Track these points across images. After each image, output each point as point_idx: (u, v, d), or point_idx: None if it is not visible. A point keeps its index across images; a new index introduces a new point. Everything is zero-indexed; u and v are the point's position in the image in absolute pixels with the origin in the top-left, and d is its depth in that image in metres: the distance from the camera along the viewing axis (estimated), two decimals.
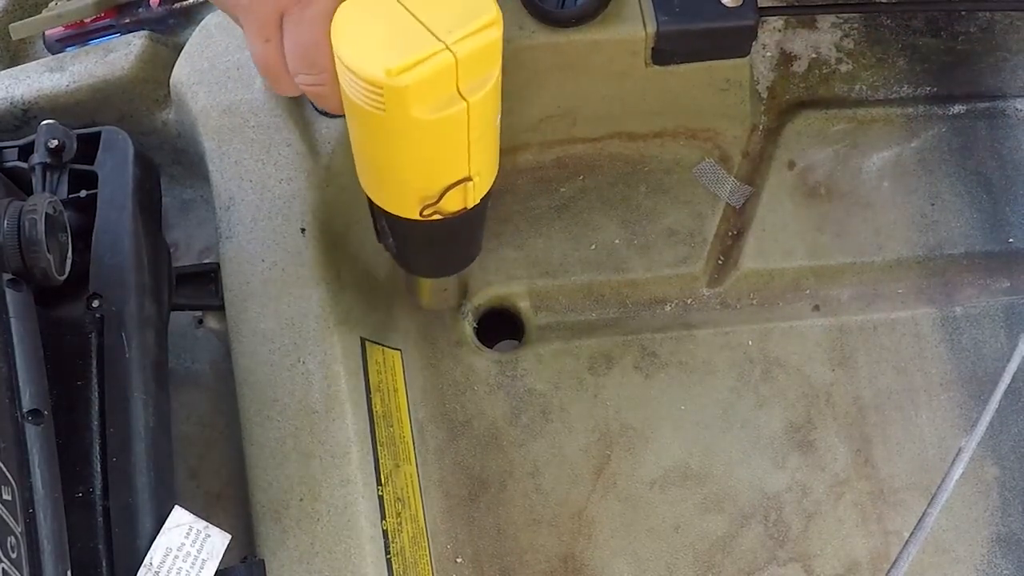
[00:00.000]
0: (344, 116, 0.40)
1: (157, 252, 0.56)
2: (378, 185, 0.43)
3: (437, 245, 0.50)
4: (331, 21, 0.36)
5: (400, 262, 0.54)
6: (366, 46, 0.35)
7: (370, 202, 0.45)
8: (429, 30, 0.35)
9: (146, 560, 0.47)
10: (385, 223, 0.47)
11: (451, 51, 0.34)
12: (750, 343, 0.69)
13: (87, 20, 0.68)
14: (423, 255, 0.53)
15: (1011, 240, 0.72)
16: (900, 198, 0.73)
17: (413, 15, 0.35)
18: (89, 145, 0.56)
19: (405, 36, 0.35)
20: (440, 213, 0.42)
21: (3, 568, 0.39)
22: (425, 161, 0.39)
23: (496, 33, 0.35)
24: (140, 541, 0.47)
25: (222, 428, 0.61)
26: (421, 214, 0.42)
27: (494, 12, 0.35)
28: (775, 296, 0.71)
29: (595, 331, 0.70)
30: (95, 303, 0.51)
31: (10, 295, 0.45)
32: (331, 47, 0.36)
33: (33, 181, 0.55)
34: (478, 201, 0.43)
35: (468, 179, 0.40)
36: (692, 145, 0.73)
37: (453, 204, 0.42)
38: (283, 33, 0.41)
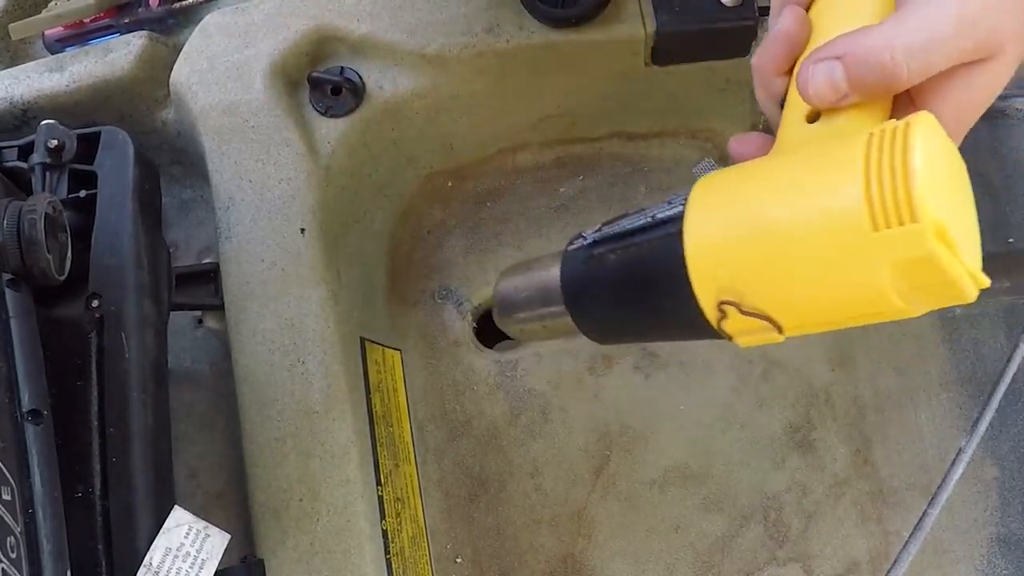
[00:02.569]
0: None
1: (157, 252, 0.55)
2: (743, 252, 0.34)
3: (641, 327, 0.39)
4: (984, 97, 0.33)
5: (585, 326, 0.42)
6: (943, 180, 0.30)
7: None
8: (971, 238, 0.31)
9: (146, 560, 0.47)
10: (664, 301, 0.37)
11: (972, 282, 0.30)
12: None
13: (87, 20, 0.68)
14: (622, 320, 0.40)
15: (1011, 240, 0.72)
16: None
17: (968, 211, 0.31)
18: (89, 145, 0.56)
19: (966, 219, 0.31)
20: (727, 333, 0.35)
21: (3, 568, 0.39)
22: (811, 285, 0.32)
23: (970, 294, 0.31)
24: (140, 541, 0.47)
25: (222, 428, 0.61)
26: (719, 323, 0.34)
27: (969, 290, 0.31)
28: None
29: None
30: (95, 303, 0.51)
31: (10, 295, 0.45)
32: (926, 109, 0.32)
33: (33, 181, 0.55)
34: (750, 345, 0.36)
35: (779, 329, 0.34)
36: (692, 145, 0.73)
37: (736, 327, 0.35)
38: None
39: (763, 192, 0.33)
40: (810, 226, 0.31)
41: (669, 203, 0.37)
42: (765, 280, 0.33)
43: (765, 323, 0.34)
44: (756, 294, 0.33)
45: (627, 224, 0.38)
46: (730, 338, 0.35)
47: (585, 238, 0.40)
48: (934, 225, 0.29)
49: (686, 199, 0.36)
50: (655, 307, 0.37)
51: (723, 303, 0.34)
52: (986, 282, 0.31)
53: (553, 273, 0.40)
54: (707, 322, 0.35)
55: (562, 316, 0.41)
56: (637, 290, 0.37)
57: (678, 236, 0.35)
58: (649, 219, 0.37)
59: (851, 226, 0.30)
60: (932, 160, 0.29)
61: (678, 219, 0.35)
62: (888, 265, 0.30)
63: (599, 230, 0.39)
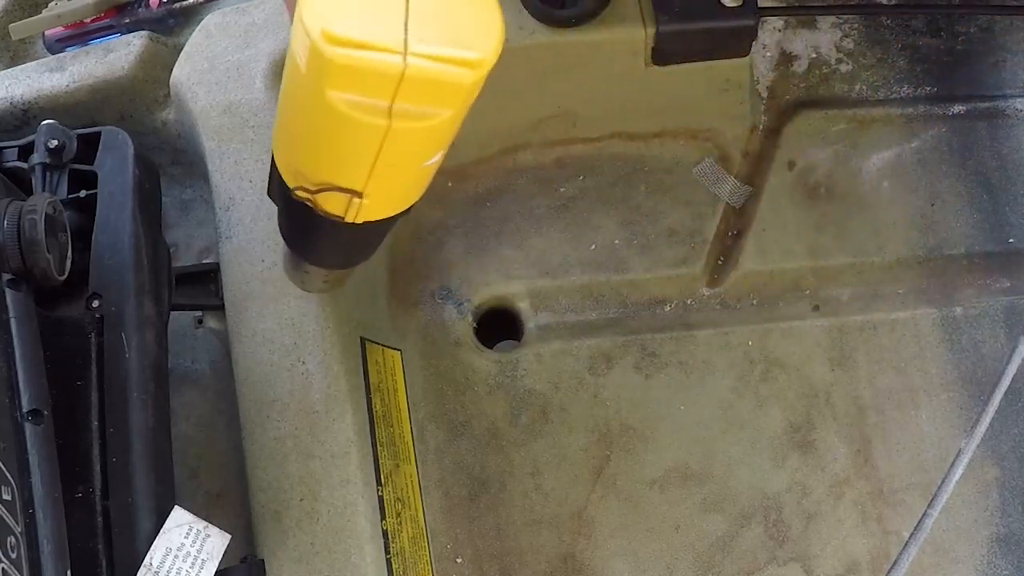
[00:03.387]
0: None
1: (157, 252, 0.55)
2: (275, 130, 0.39)
3: (306, 230, 0.43)
4: None
5: (279, 224, 0.48)
6: None
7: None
8: (405, 25, 0.29)
9: (146, 560, 0.47)
10: (273, 173, 0.41)
11: (405, 60, 0.29)
12: (750, 343, 0.69)
13: (87, 20, 0.68)
14: (292, 229, 0.46)
15: (1011, 240, 0.72)
16: (900, 198, 0.73)
17: (407, 1, 0.30)
18: (89, 145, 0.56)
19: (380, 14, 0.29)
20: (313, 203, 0.37)
21: (3, 568, 0.39)
22: (316, 145, 0.34)
23: (468, 77, 0.30)
24: (140, 541, 0.47)
25: (222, 428, 0.61)
26: (294, 192, 0.37)
27: (486, 54, 0.30)
28: (775, 296, 0.71)
29: (595, 331, 0.70)
30: (95, 303, 0.51)
31: (10, 295, 0.45)
32: None
33: (33, 181, 0.55)
34: (361, 221, 0.37)
35: (358, 195, 0.35)
36: (692, 145, 0.73)
37: (331, 206, 0.37)
38: None
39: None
40: (286, 92, 0.35)
41: None
42: (304, 154, 0.36)
43: (342, 194, 0.35)
44: (308, 170, 0.36)
45: None
46: (341, 218, 0.37)
47: None
48: (321, 35, 0.29)
49: None
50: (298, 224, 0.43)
51: (297, 189, 0.37)
52: (400, 42, 0.29)
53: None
54: (317, 215, 0.37)
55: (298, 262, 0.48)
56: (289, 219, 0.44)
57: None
58: None
59: (293, 75, 0.32)
60: None
61: None
62: (328, 90, 0.30)
63: None
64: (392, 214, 0.38)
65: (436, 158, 0.35)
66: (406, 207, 0.39)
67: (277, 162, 0.38)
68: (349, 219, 0.37)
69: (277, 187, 0.40)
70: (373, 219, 0.37)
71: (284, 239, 0.48)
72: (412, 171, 0.35)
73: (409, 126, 0.31)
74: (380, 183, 0.35)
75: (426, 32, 0.29)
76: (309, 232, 0.43)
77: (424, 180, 0.37)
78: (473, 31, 0.30)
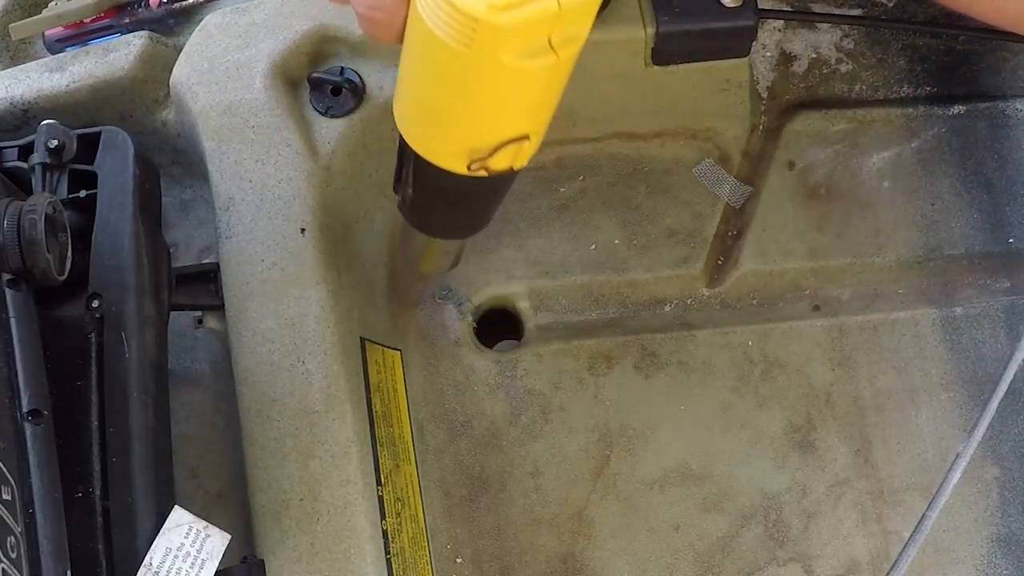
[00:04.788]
0: (400, 46, 0.37)
1: (157, 252, 0.55)
2: (426, 129, 0.39)
3: (463, 204, 0.45)
4: None
5: (412, 217, 0.49)
6: None
7: (402, 148, 0.41)
8: None
9: (146, 560, 0.47)
10: (412, 173, 0.42)
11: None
12: (750, 343, 0.69)
13: (87, 20, 0.68)
14: (444, 213, 0.48)
15: (1011, 240, 0.72)
16: (900, 198, 0.73)
17: None
18: (89, 145, 0.56)
19: None
20: (487, 170, 0.38)
21: (3, 568, 0.39)
22: (491, 111, 0.35)
23: None
24: (140, 541, 0.47)
25: (222, 428, 0.61)
26: (468, 168, 0.38)
27: None
28: (775, 296, 0.71)
29: (595, 331, 0.70)
30: (95, 303, 0.51)
31: (10, 295, 0.45)
32: None
33: (33, 181, 0.55)
34: (526, 163, 0.39)
35: (526, 138, 0.37)
36: (692, 145, 0.73)
37: (502, 162, 0.38)
38: None
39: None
40: (440, 84, 0.35)
41: None
42: (478, 127, 0.37)
43: (512, 145, 0.37)
44: (483, 140, 0.37)
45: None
46: (511, 169, 0.39)
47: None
48: (488, 8, 0.30)
49: None
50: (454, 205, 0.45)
51: (472, 164, 0.38)
52: None
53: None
54: (487, 181, 0.39)
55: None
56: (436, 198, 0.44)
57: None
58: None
59: (445, 64, 0.34)
60: None
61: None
62: (503, 55, 0.32)
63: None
64: (541, 142, 0.40)
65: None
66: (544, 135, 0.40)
67: (437, 157, 0.39)
68: (518, 166, 0.38)
69: (432, 181, 0.41)
70: (533, 154, 0.39)
71: (431, 231, 0.49)
72: (561, 92, 0.37)
73: (571, 51, 0.33)
74: (543, 116, 0.37)
75: None
76: (468, 204, 0.45)
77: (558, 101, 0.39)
78: None
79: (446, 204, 0.46)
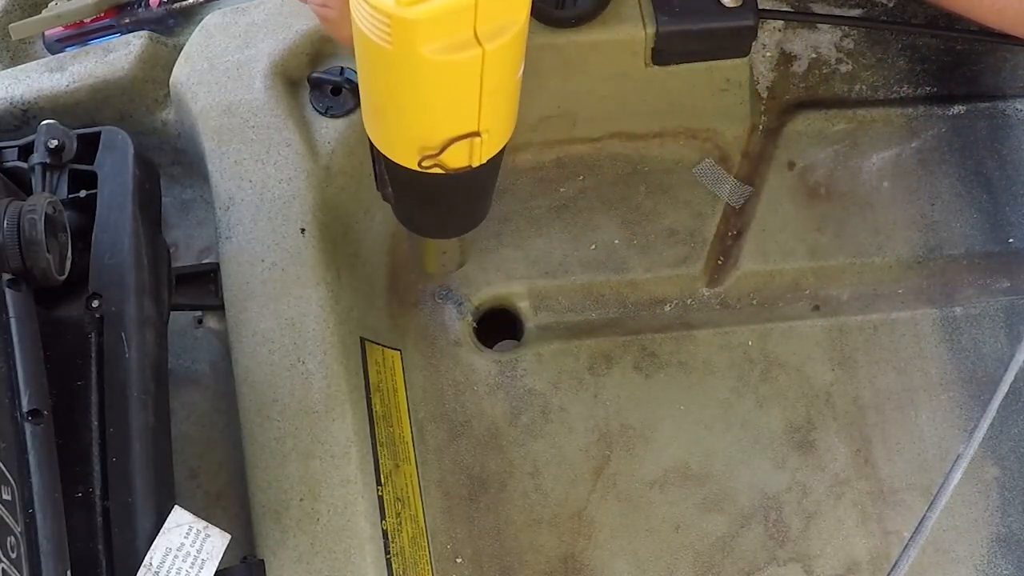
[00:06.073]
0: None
1: (157, 252, 0.55)
2: (378, 127, 0.39)
3: (436, 202, 0.46)
4: None
5: (400, 216, 0.50)
6: None
7: (371, 145, 0.42)
8: None
9: (146, 560, 0.47)
10: (384, 169, 0.43)
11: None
12: (750, 343, 0.69)
13: (87, 20, 0.68)
14: (421, 211, 0.49)
15: (1011, 240, 0.72)
16: (900, 198, 0.73)
17: None
18: (89, 145, 0.56)
19: None
20: (441, 167, 0.38)
21: (3, 568, 0.39)
22: (429, 107, 0.35)
23: None
24: (140, 541, 0.47)
25: (222, 428, 0.61)
26: (420, 165, 0.38)
27: None
28: (775, 296, 0.71)
29: (595, 331, 0.70)
30: (95, 303, 0.51)
31: (10, 295, 0.45)
32: None
33: (33, 181, 0.55)
34: (485, 161, 0.39)
35: (476, 135, 0.37)
36: (692, 145, 0.73)
37: (457, 160, 0.38)
38: None
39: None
40: (379, 81, 0.36)
41: None
42: (419, 124, 0.37)
43: (463, 142, 0.37)
44: (428, 136, 0.37)
45: None
46: (469, 166, 0.39)
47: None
48: (396, 3, 0.31)
49: None
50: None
51: (423, 160, 0.38)
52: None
53: None
54: (447, 178, 0.39)
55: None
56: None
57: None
58: None
59: (378, 61, 0.34)
60: None
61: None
62: (421, 48, 0.32)
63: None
64: (505, 141, 0.40)
65: (521, 68, 0.37)
66: (512, 130, 0.40)
67: (392, 154, 0.40)
68: (476, 163, 0.39)
69: (398, 178, 0.42)
70: (493, 153, 0.39)
71: (419, 231, 0.51)
72: (510, 88, 0.37)
73: (499, 43, 0.33)
74: (490, 113, 0.37)
75: None
76: (443, 202, 0.45)
77: (518, 94, 0.39)
78: None
79: (421, 202, 0.46)
